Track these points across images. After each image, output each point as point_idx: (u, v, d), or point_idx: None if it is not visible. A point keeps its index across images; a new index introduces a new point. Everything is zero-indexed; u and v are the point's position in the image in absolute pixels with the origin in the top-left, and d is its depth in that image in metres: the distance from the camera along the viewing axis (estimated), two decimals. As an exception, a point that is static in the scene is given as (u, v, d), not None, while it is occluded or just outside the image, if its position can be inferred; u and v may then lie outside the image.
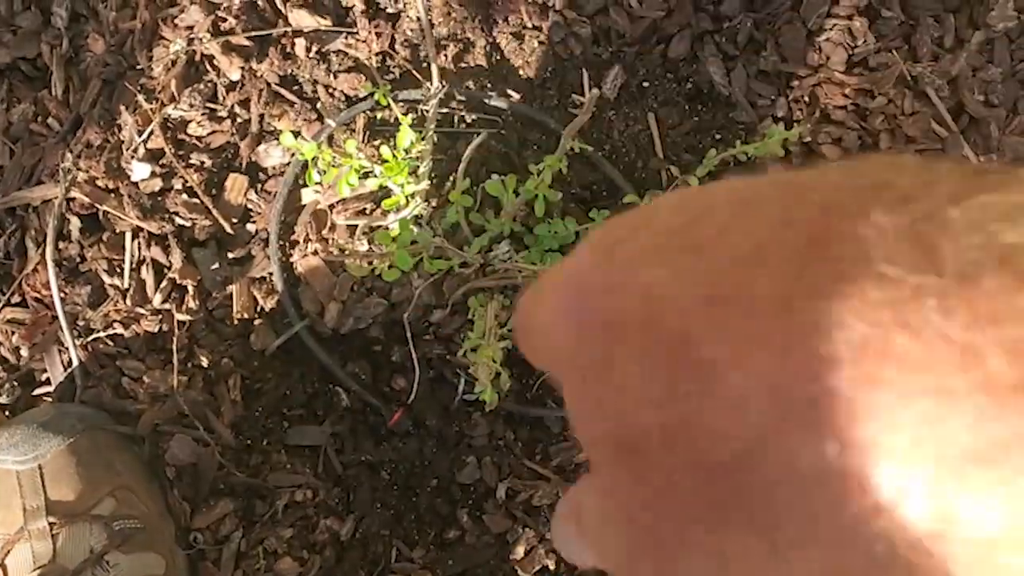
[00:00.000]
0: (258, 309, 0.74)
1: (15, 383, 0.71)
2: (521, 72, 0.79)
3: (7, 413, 0.71)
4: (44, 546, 0.61)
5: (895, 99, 0.76)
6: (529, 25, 0.79)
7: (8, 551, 0.61)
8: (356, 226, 0.74)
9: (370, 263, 0.59)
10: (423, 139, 0.72)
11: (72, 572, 0.61)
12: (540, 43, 0.79)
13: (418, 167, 0.71)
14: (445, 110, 0.77)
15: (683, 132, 0.78)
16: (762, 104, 0.77)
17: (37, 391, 0.72)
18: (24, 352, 0.72)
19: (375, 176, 0.72)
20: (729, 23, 0.78)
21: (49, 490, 0.63)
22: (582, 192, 0.78)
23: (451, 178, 0.75)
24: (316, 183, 0.71)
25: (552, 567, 0.69)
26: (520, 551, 0.70)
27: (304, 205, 0.76)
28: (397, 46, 0.78)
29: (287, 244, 0.75)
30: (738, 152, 0.59)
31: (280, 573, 0.69)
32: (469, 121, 0.78)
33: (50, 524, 0.62)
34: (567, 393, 0.19)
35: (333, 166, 0.71)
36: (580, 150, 0.65)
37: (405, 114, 0.75)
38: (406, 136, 0.70)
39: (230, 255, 0.74)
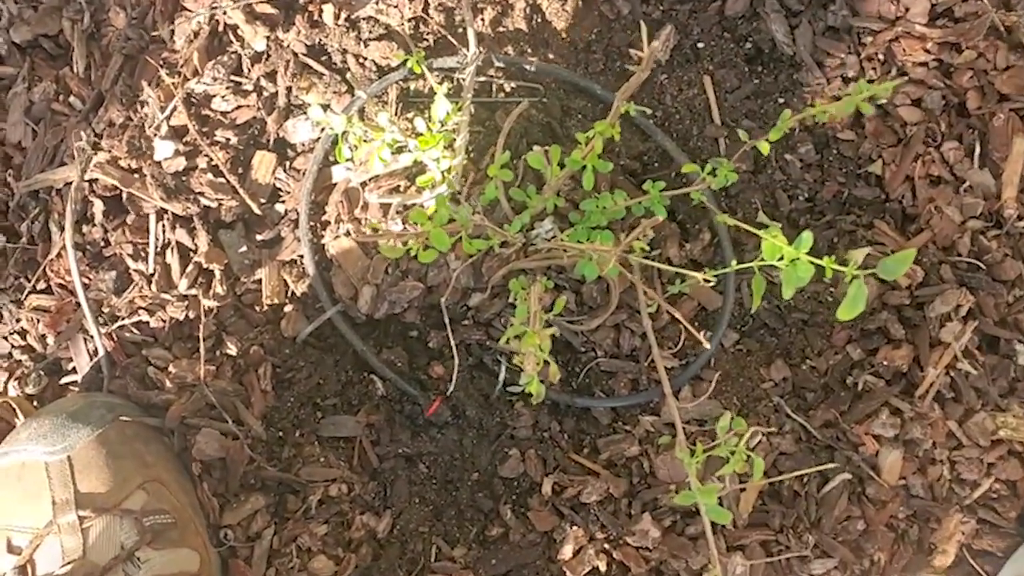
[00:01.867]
0: (289, 294, 0.74)
1: (41, 372, 0.72)
2: (564, 36, 0.77)
3: (34, 403, 0.72)
4: (74, 541, 0.62)
5: (985, 52, 0.71)
6: (572, -17, 0.76)
7: (37, 545, 0.62)
8: (390, 205, 0.72)
9: (405, 244, 0.58)
10: (459, 110, 0.70)
11: (103, 569, 0.61)
12: (584, 3, 0.77)
13: (454, 140, 0.69)
14: (483, 78, 0.75)
15: (742, 96, 0.75)
16: (830, 64, 0.73)
17: (64, 380, 0.72)
18: (50, 340, 0.72)
19: (409, 151, 0.71)
20: (794, -26, 0.74)
21: (79, 482, 0.63)
22: (632, 163, 0.75)
23: (490, 151, 0.74)
24: (347, 159, 0.70)
25: (603, 568, 0.67)
26: (568, 551, 0.68)
27: (335, 184, 0.75)
28: (431, 11, 0.76)
29: (318, 225, 0.74)
30: (809, 115, 0.56)
31: (314, 572, 0.69)
32: (508, 90, 0.76)
33: (80, 518, 0.62)
34: None
35: (365, 141, 0.69)
36: (632, 115, 0.62)
37: (440, 83, 0.74)
38: (441, 107, 0.68)
39: (258, 237, 0.74)
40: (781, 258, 0.56)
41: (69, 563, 0.61)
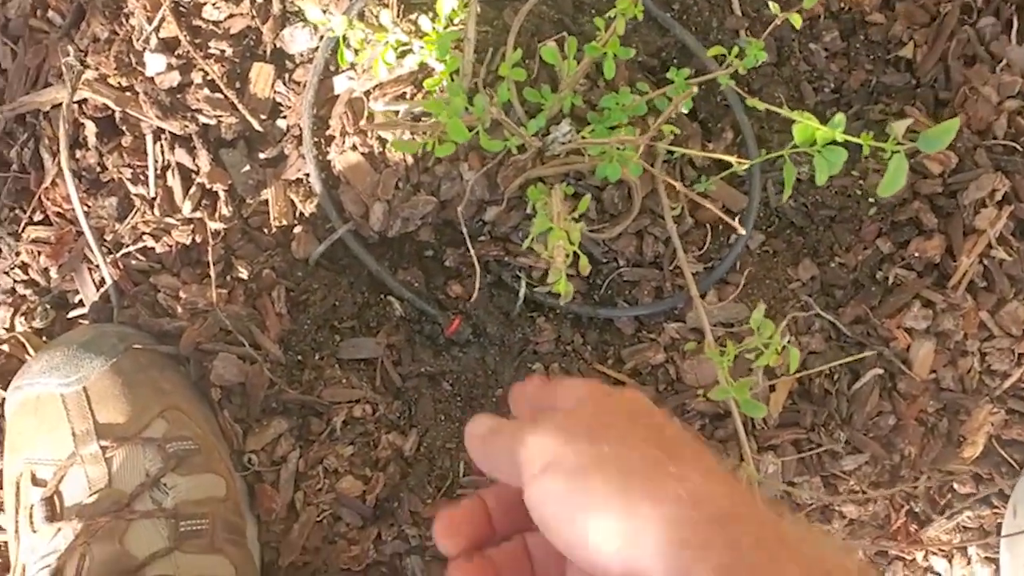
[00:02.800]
0: (297, 214, 0.72)
1: (47, 306, 0.71)
2: (572, -75, 0.73)
3: (43, 338, 0.71)
4: (98, 470, 0.62)
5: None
6: None
7: (62, 476, 0.62)
8: (396, 112, 0.70)
9: (419, 136, 0.56)
10: (466, 6, 0.67)
11: (130, 496, 0.61)
12: None
13: (462, 39, 0.67)
14: (488, -26, 0.72)
15: (764, -17, 0.72)
16: (857, -57, 0.70)
17: (72, 313, 0.71)
18: (53, 273, 0.71)
19: (414, 53, 0.69)
20: None
21: (97, 413, 0.63)
22: (649, 60, 0.73)
23: (500, 51, 0.71)
24: (349, 64, 0.68)
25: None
26: (597, 460, 0.69)
27: (337, 95, 0.72)
28: (428, -97, 0.72)
29: (322, 140, 0.72)
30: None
31: (343, 493, 0.69)
32: (515, -13, 0.73)
33: (102, 448, 0.62)
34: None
35: (367, 43, 0.67)
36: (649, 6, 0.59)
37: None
38: (447, 3, 0.65)
39: (261, 155, 0.71)
40: (813, 143, 0.55)
41: (96, 492, 0.62)
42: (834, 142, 0.54)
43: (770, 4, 0.55)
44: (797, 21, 0.54)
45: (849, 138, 0.50)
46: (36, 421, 0.64)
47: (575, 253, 0.54)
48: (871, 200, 0.69)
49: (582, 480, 0.35)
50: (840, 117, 0.54)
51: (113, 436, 0.63)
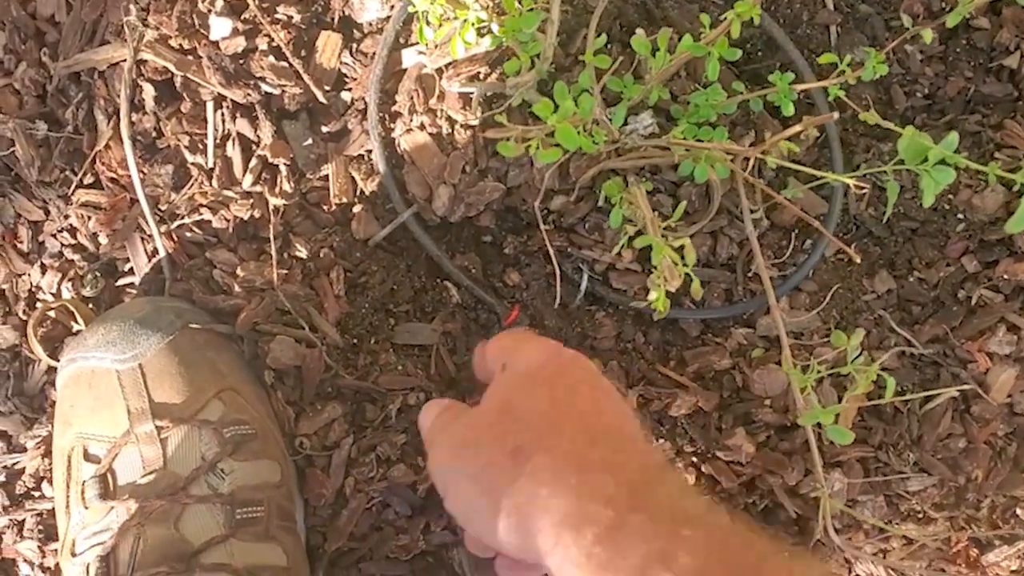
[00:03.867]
0: (357, 192, 0.70)
1: (98, 273, 0.69)
2: (664, -99, 0.69)
3: (90, 306, 0.70)
4: (153, 451, 0.61)
5: None
6: None
7: (116, 454, 0.61)
8: (470, 94, 0.68)
9: (524, 140, 0.54)
10: (551, -14, 0.64)
11: (185, 480, 0.61)
12: None
13: (545, 20, 0.64)
14: (571, -50, 0.69)
15: (862, -23, 0.69)
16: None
17: (121, 282, 0.70)
18: (103, 239, 0.69)
19: (492, 33, 0.66)
20: None
21: (152, 391, 0.62)
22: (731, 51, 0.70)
23: (581, 34, 0.68)
24: (427, 41, 0.65)
25: (691, 481, 0.68)
26: (655, 463, 0.68)
27: (406, 70, 0.69)
28: None
29: (387, 116, 0.69)
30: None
31: (394, 481, 0.69)
32: (599, -36, 0.70)
33: (157, 428, 0.61)
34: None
35: (446, 19, 0.64)
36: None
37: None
38: (536, -16, 0.62)
39: (324, 129, 0.69)
40: (923, 160, 0.53)
41: (150, 473, 0.61)
42: (943, 162, 0.52)
43: (903, 17, 0.52)
44: (928, 36, 0.52)
45: (971, 164, 0.48)
46: (90, 396, 0.63)
47: (688, 275, 0.52)
48: (960, 216, 0.67)
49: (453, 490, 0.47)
50: (953, 136, 0.51)
51: (169, 416, 0.62)
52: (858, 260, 0.51)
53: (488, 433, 0.45)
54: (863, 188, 0.59)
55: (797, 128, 0.50)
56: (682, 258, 0.54)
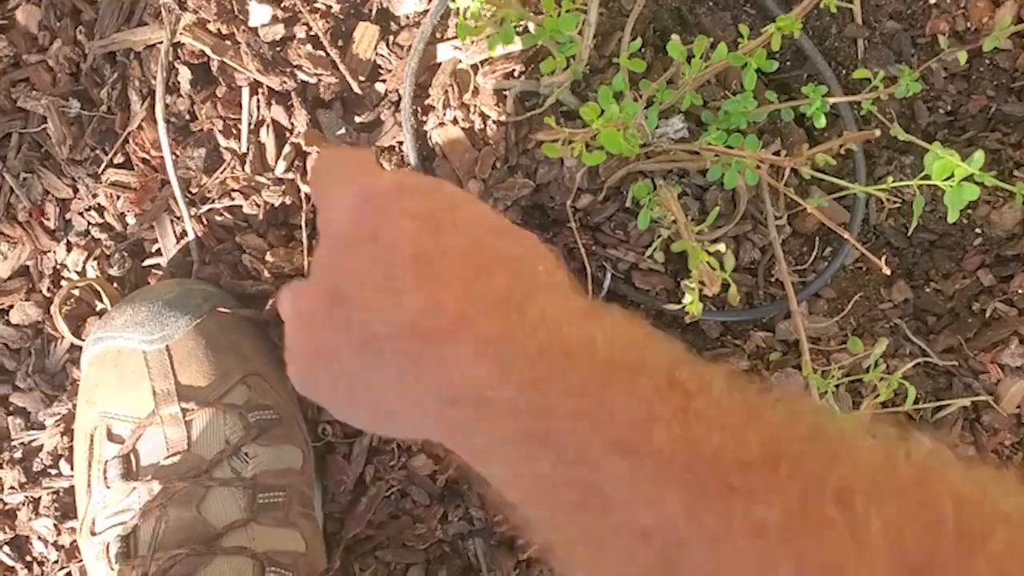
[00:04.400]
0: (387, 183, 0.71)
1: (125, 253, 0.69)
2: (700, -91, 0.71)
3: (116, 286, 0.70)
4: (178, 432, 0.61)
5: None
6: None
7: (140, 436, 0.62)
8: (504, 91, 0.69)
9: (568, 143, 0.55)
10: (590, -11, 0.65)
11: (209, 463, 0.61)
12: None
13: (583, 23, 0.65)
14: (608, -47, 0.70)
15: (891, -6, 0.71)
16: (994, -38, 0.69)
17: (147, 262, 0.70)
18: (131, 219, 0.69)
19: (529, 32, 0.67)
20: None
21: (179, 374, 0.62)
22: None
23: (616, 37, 0.70)
24: (466, 39, 0.66)
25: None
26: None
27: (440, 63, 0.70)
28: None
29: (420, 109, 0.70)
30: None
31: (414, 471, 0.69)
32: (634, -32, 0.71)
33: (183, 410, 0.62)
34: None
35: (485, 16, 0.65)
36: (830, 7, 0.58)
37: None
38: (575, -16, 0.63)
39: (357, 119, 0.70)
40: (949, 176, 0.55)
41: (174, 454, 0.61)
42: (968, 179, 0.54)
43: (940, 40, 0.54)
44: (963, 58, 0.53)
45: (997, 183, 0.50)
46: (116, 375, 0.63)
47: (725, 282, 0.53)
48: (978, 231, 0.69)
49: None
50: (979, 155, 0.53)
51: (195, 399, 0.62)
52: (887, 271, 0.53)
53: (328, 331, 0.33)
54: (895, 202, 0.60)
55: (836, 142, 0.51)
56: (720, 264, 0.55)
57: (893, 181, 0.71)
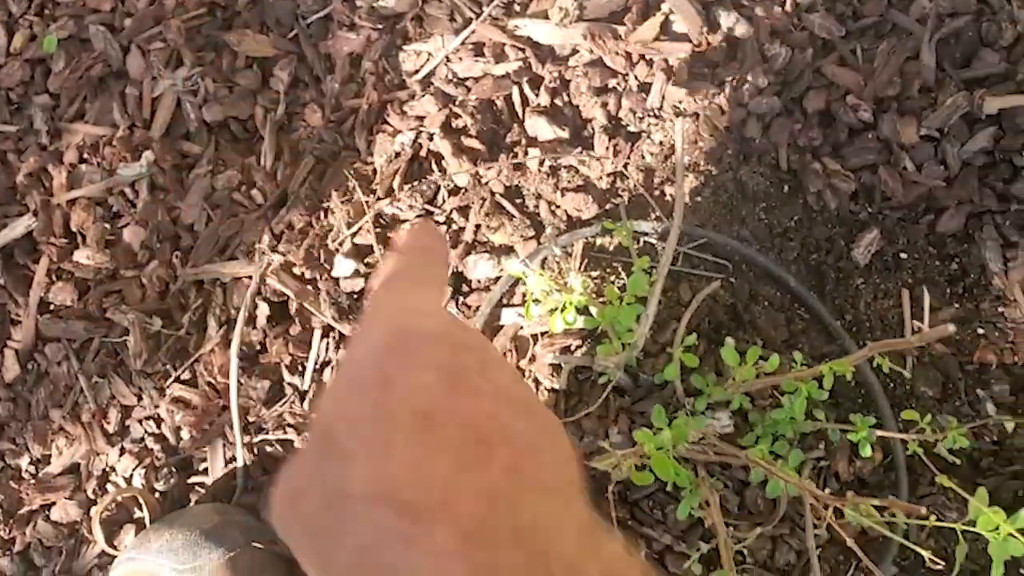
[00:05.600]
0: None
1: (173, 468, 0.71)
2: (762, 217, 0.76)
3: (157, 496, 0.72)
4: (191, 673, 0.61)
5: None
6: (783, 168, 0.76)
7: (151, 670, 0.61)
8: (560, 365, 0.72)
9: (616, 466, 0.57)
10: (652, 283, 0.69)
11: None
12: (791, 189, 0.76)
13: (641, 313, 0.69)
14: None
15: (940, 319, 0.74)
16: (1042, 304, 0.72)
17: (192, 479, 0.72)
18: (185, 435, 0.72)
19: (590, 315, 0.71)
20: (1018, 205, 0.73)
21: (201, 608, 0.63)
22: (810, 362, 0.74)
23: (672, 327, 0.73)
24: (532, 318, 0.70)
25: None
26: None
27: (503, 326, 0.74)
28: (631, 168, 0.76)
29: (478, 366, 0.73)
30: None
31: None
32: (695, 262, 0.76)
33: (200, 649, 0.61)
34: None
35: (549, 295, 0.69)
36: (882, 367, 0.61)
37: (637, 251, 0.73)
38: (642, 283, 0.68)
39: (417, 369, 0.73)
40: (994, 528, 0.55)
41: None
42: (1013, 534, 0.54)
43: (987, 406, 0.56)
44: (1011, 427, 0.55)
45: (1046, 555, 0.50)
46: (140, 601, 0.63)
47: None
48: (1021, 571, 0.68)
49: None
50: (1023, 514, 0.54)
51: (213, 637, 0.62)
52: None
53: (308, 474, 0.31)
54: (937, 563, 0.60)
55: (885, 502, 0.53)
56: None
57: (934, 503, 0.72)
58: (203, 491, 0.72)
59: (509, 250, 0.74)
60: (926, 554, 0.54)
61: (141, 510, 0.71)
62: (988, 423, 0.72)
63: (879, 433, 0.63)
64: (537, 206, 0.75)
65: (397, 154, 0.73)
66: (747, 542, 0.62)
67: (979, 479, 0.72)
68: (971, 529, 0.55)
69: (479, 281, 0.75)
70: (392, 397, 0.29)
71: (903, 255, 0.75)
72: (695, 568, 0.65)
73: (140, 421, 0.73)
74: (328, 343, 0.72)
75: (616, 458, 0.54)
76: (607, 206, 0.76)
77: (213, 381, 0.72)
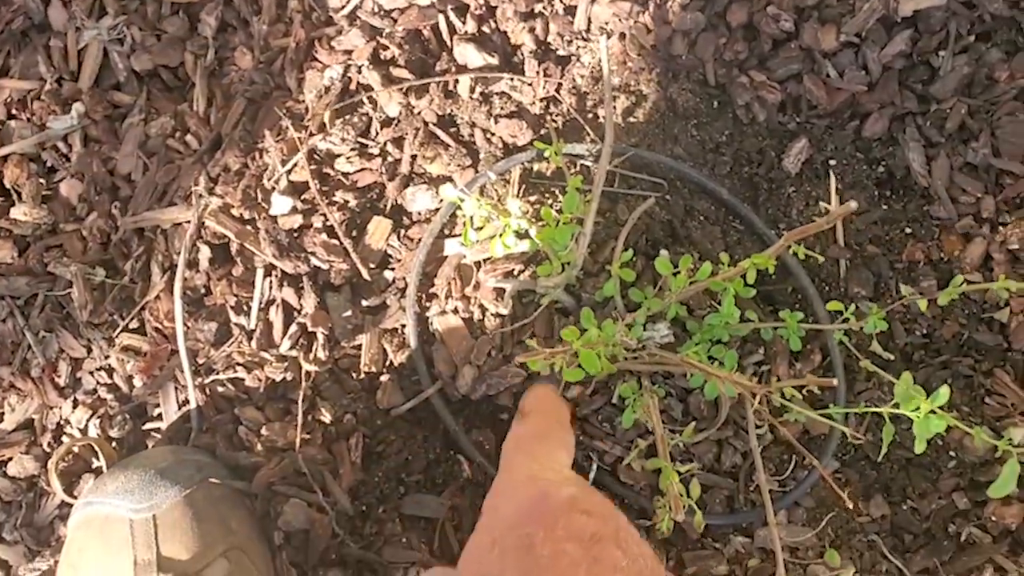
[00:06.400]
0: (387, 363, 0.74)
1: (127, 415, 0.72)
2: (694, 134, 0.78)
3: (114, 445, 0.72)
4: (154, 605, 0.62)
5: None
6: (712, 84, 0.77)
7: (115, 606, 0.62)
8: (503, 289, 0.73)
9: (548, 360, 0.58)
10: (587, 202, 0.71)
11: (183, 636, 0.61)
12: (719, 104, 0.78)
13: (579, 233, 0.70)
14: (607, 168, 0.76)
15: (869, 220, 0.76)
16: (964, 201, 0.75)
17: (147, 425, 0.73)
18: (137, 382, 0.73)
19: (530, 237, 0.72)
20: (938, 106, 0.75)
21: (162, 544, 0.64)
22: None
23: (609, 245, 0.75)
24: (471, 243, 0.71)
25: None
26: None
27: (446, 257, 0.75)
28: (563, 92, 0.77)
29: (424, 297, 0.75)
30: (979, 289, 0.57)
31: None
32: (631, 182, 0.77)
33: (161, 582, 0.62)
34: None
35: (489, 221, 0.70)
36: (793, 255, 0.63)
37: (570, 171, 0.74)
38: (575, 201, 0.69)
39: (364, 303, 0.74)
40: (916, 408, 0.57)
41: (149, 627, 0.62)
42: (934, 412, 0.57)
43: (902, 288, 0.58)
44: (923, 306, 0.58)
45: (958, 424, 0.53)
46: (100, 542, 0.64)
47: (691, 507, 0.55)
48: (951, 453, 0.71)
49: None
50: (944, 391, 0.56)
51: (174, 571, 0.63)
52: (849, 504, 0.55)
53: None
54: (859, 438, 0.63)
55: (802, 381, 0.55)
56: (687, 492, 0.57)
57: (871, 398, 0.74)
58: (159, 436, 0.73)
59: (447, 180, 0.75)
60: (848, 431, 0.56)
61: (99, 459, 0.71)
62: (918, 319, 0.74)
63: (806, 326, 0.65)
64: (472, 134, 0.75)
65: (327, 89, 0.74)
66: (683, 437, 0.64)
67: (912, 372, 0.75)
68: (897, 411, 0.58)
69: (419, 213, 0.76)
70: (537, 564, 0.31)
71: (831, 162, 0.77)
72: (635, 464, 0.67)
73: (91, 372, 0.74)
74: (271, 281, 0.72)
75: (544, 354, 0.55)
76: (542, 131, 0.77)
77: (160, 327, 0.73)
